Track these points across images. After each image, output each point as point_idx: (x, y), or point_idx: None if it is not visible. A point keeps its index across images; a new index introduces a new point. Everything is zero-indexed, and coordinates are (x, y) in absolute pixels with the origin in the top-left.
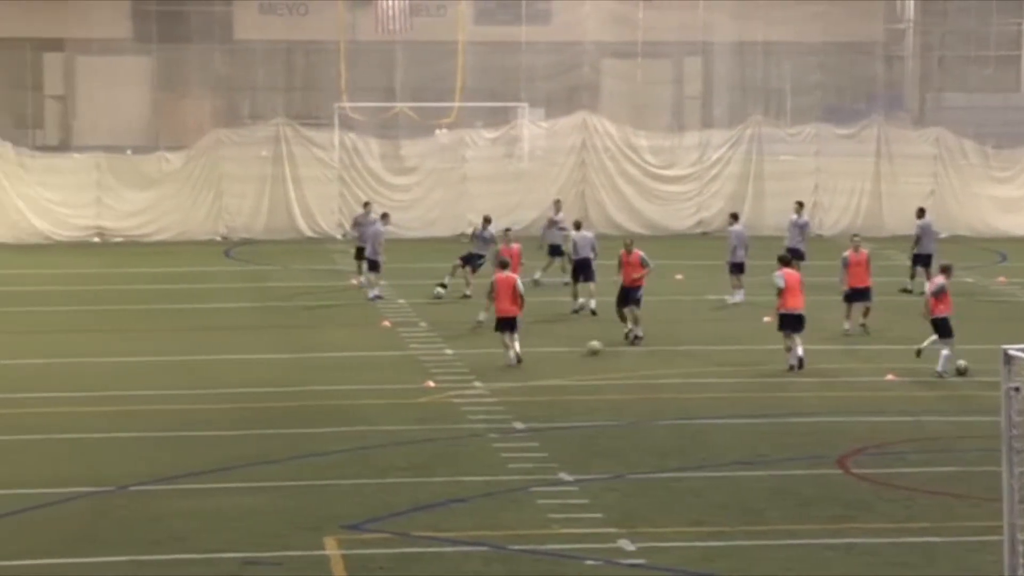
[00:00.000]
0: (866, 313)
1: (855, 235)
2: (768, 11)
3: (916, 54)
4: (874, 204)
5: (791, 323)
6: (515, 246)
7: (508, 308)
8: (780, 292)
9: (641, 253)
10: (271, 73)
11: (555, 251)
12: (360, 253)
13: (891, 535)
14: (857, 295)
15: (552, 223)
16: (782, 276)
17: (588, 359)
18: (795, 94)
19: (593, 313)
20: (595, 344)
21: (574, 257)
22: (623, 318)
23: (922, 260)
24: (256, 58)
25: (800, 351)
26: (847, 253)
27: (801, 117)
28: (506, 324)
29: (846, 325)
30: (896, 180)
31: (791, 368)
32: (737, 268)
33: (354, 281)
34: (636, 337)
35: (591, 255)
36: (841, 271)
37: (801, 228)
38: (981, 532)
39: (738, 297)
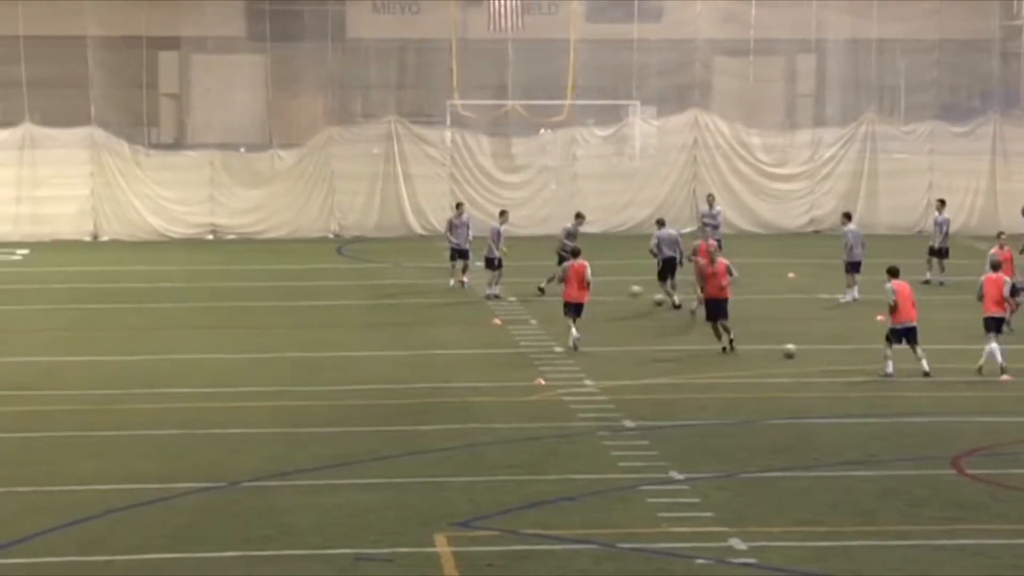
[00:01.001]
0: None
1: (1000, 232)
2: (882, 8)
3: None
4: (989, 203)
5: (907, 335)
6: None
7: (576, 294)
8: (892, 307)
9: (726, 262)
10: (383, 71)
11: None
12: (455, 254)
13: (1005, 536)
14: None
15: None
16: (893, 290)
17: (697, 356)
18: (909, 92)
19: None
20: (636, 288)
21: (659, 255)
22: (718, 333)
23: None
24: (368, 56)
25: (924, 364)
26: (993, 250)
27: (915, 115)
28: (573, 309)
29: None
30: (1011, 178)
31: (887, 375)
32: (853, 267)
33: (451, 282)
34: (731, 344)
35: (676, 254)
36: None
37: (940, 226)
38: None
39: (851, 296)
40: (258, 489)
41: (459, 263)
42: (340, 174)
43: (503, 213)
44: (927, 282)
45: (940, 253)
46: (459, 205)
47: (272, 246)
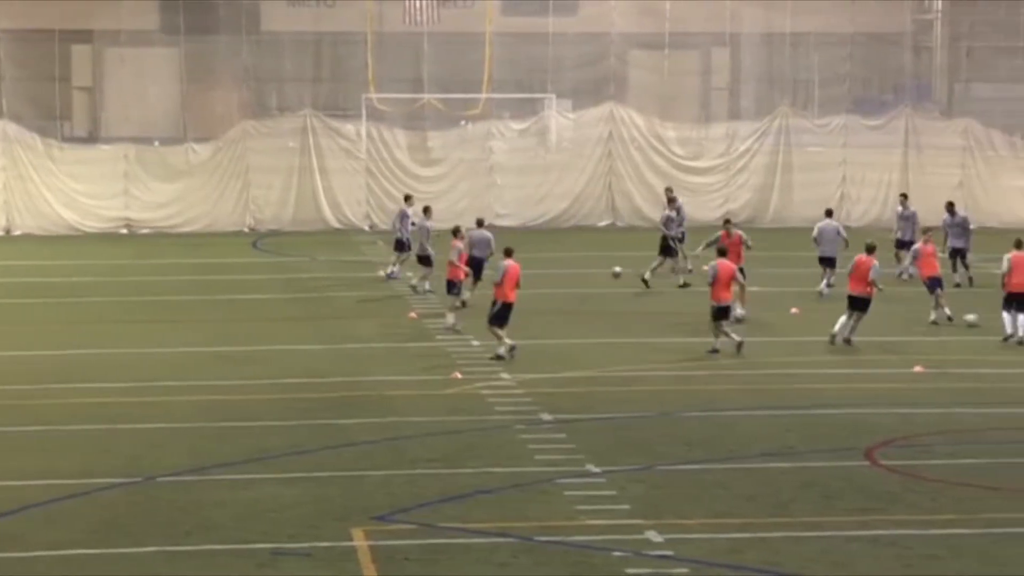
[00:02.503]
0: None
1: (926, 228)
2: (795, 2)
3: (944, 44)
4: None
5: (723, 314)
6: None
7: (509, 294)
8: (712, 283)
9: (742, 233)
10: (298, 64)
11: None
12: (400, 245)
13: (918, 527)
14: (936, 283)
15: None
16: (715, 267)
17: (615, 349)
18: (823, 85)
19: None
20: (618, 269)
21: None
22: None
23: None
24: (284, 49)
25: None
26: (918, 245)
27: (829, 108)
28: (508, 310)
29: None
30: (924, 171)
31: (714, 351)
32: (823, 261)
33: (381, 272)
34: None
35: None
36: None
37: (907, 219)
38: (1009, 524)
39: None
40: (177, 484)
41: (403, 254)
42: (255, 168)
43: (427, 209)
44: (900, 275)
45: (908, 246)
46: (408, 197)
47: (187, 240)
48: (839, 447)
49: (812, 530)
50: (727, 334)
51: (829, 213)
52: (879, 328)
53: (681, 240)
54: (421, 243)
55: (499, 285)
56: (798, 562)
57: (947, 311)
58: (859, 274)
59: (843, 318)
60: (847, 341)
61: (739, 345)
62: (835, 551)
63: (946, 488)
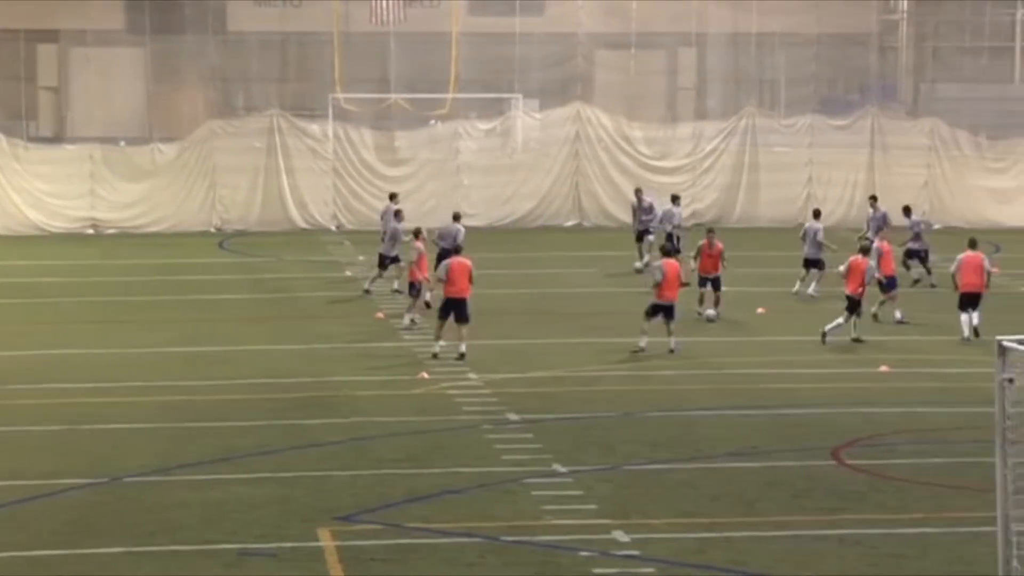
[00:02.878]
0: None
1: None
2: (761, 2)
3: (910, 45)
4: (867, 195)
5: (665, 312)
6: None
7: (461, 290)
8: (657, 284)
9: (722, 247)
10: (265, 64)
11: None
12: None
13: (884, 526)
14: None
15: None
16: (661, 267)
17: (582, 349)
18: (789, 85)
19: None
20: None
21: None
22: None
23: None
24: (250, 49)
25: (672, 341)
26: (877, 244)
27: (795, 108)
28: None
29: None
30: (890, 171)
31: (639, 351)
32: (808, 263)
33: (348, 272)
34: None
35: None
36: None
37: (879, 221)
38: (975, 523)
39: (810, 289)
40: (143, 484)
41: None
42: (222, 168)
43: (398, 212)
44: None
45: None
46: (392, 196)
47: (153, 240)
48: (805, 446)
49: (778, 529)
50: (644, 334)
51: (816, 214)
52: (845, 328)
53: (640, 238)
54: (390, 244)
55: (442, 281)
56: (764, 561)
57: (898, 314)
58: (856, 275)
59: (840, 319)
60: (858, 340)
61: (671, 350)
62: (801, 550)
63: (912, 487)
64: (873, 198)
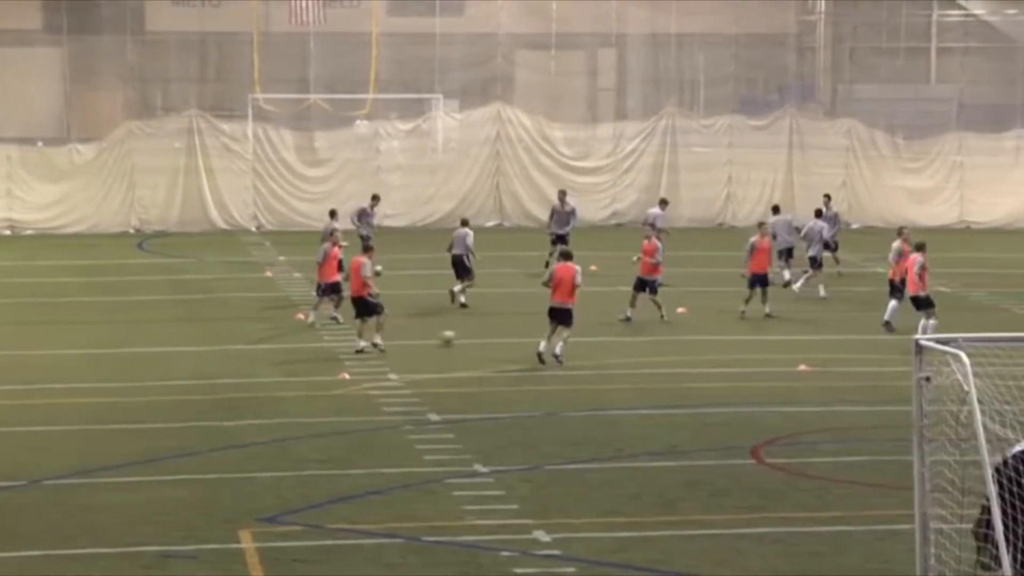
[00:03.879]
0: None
1: (762, 222)
2: (681, 3)
3: (828, 45)
4: (787, 195)
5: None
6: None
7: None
8: (548, 282)
9: (658, 244)
10: (184, 65)
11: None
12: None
13: (804, 524)
14: (758, 280)
15: (363, 214)
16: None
17: (504, 349)
18: (708, 85)
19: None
20: (448, 334)
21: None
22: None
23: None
24: (169, 49)
25: (558, 348)
26: (754, 239)
27: (714, 109)
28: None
29: (743, 308)
30: (808, 171)
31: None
32: (785, 253)
33: (268, 273)
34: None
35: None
36: (746, 256)
37: (830, 220)
38: (893, 521)
39: (786, 278)
40: (63, 487)
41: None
42: (141, 168)
43: (333, 212)
44: (840, 275)
45: (831, 247)
46: (375, 197)
47: (72, 241)
48: (725, 446)
49: (699, 528)
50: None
51: (776, 209)
52: (764, 327)
53: (555, 243)
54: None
55: (346, 279)
56: (685, 560)
57: (767, 309)
58: (902, 266)
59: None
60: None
61: (556, 357)
62: (722, 549)
63: (830, 485)
64: (827, 196)
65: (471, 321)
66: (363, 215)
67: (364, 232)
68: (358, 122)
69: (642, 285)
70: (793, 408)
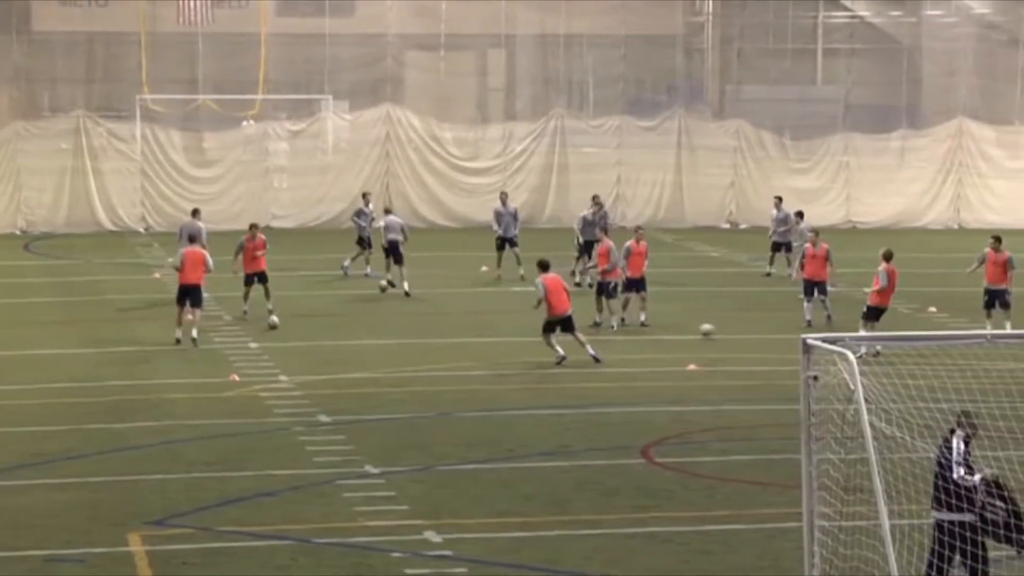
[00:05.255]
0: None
1: (639, 227)
2: (569, 4)
3: (715, 47)
4: (676, 196)
5: (563, 324)
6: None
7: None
8: (540, 301)
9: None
10: (71, 65)
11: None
12: (361, 241)
13: (693, 523)
14: (633, 285)
15: (361, 213)
16: (542, 283)
17: (395, 350)
18: (597, 86)
19: (407, 294)
20: (707, 327)
21: (387, 238)
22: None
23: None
24: (55, 49)
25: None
26: (629, 243)
27: (603, 109)
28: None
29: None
30: (697, 172)
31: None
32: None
33: (157, 274)
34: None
35: (400, 238)
36: (623, 261)
37: (782, 222)
38: (781, 519)
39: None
40: None
41: (366, 251)
42: (27, 169)
43: (196, 212)
44: (768, 275)
45: (783, 247)
46: (365, 195)
47: None
48: (616, 445)
49: (590, 528)
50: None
51: (800, 215)
52: (655, 327)
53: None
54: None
55: (179, 270)
56: (575, 559)
57: (642, 316)
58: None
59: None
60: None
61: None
62: (612, 548)
63: (720, 484)
64: (778, 199)
65: (361, 322)
66: (360, 214)
67: (365, 233)
68: (245, 123)
69: (601, 289)
70: (683, 408)
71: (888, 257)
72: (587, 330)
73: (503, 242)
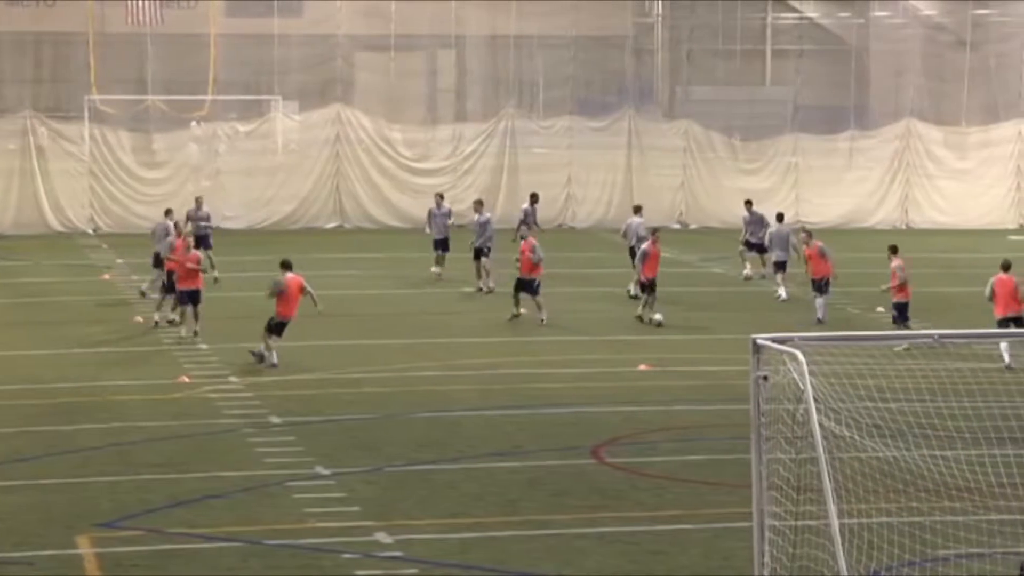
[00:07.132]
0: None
1: (656, 229)
2: (519, 4)
3: (665, 47)
4: (625, 196)
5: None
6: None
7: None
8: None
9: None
10: (18, 65)
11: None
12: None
13: (644, 523)
14: (649, 286)
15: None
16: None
17: (344, 351)
18: (547, 87)
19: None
20: (658, 316)
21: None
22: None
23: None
24: (2, 49)
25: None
26: (646, 246)
27: (553, 110)
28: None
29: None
30: (647, 172)
31: None
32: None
33: (106, 276)
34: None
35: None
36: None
37: (755, 223)
38: (731, 518)
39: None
40: None
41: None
42: None
43: (168, 212)
44: (748, 278)
45: (758, 248)
46: (198, 199)
47: None
48: (566, 445)
49: (540, 528)
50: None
51: (780, 217)
52: (606, 328)
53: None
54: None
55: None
56: (526, 560)
57: (658, 316)
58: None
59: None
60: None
61: (262, 358)
62: (563, 548)
63: (670, 484)
64: (748, 202)
65: (312, 323)
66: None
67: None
68: (193, 123)
69: (522, 286)
70: (633, 408)
71: (895, 251)
72: (506, 326)
73: (436, 244)
